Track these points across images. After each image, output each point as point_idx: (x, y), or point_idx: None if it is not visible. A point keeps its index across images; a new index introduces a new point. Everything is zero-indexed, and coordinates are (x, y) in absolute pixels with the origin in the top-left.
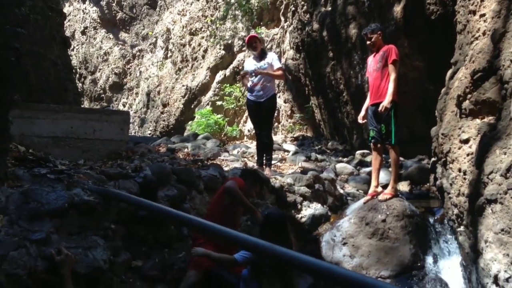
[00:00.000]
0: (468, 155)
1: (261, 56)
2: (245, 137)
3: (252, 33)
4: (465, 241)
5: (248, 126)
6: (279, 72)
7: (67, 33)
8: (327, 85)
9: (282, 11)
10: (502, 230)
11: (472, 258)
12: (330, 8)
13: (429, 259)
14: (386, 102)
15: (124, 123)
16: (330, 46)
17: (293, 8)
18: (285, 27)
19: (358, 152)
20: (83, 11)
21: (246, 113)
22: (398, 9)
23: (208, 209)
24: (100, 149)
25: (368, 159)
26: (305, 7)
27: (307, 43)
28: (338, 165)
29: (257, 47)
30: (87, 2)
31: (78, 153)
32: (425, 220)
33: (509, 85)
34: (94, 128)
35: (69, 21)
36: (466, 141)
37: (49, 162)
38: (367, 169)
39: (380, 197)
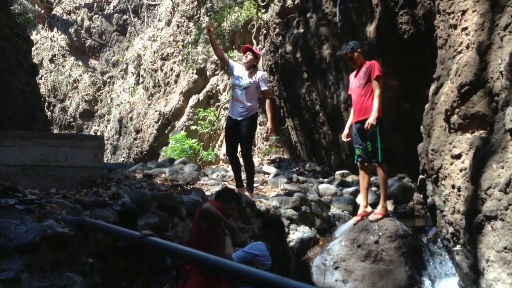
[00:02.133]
0: (461, 170)
1: (250, 72)
2: (221, 161)
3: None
4: (463, 260)
5: (223, 150)
6: (268, 102)
7: (35, 61)
8: (303, 107)
9: (254, 34)
10: (505, 248)
11: (472, 278)
12: (302, 30)
13: (426, 281)
14: (371, 119)
15: (98, 149)
16: (304, 67)
17: (265, 31)
18: (258, 50)
19: (337, 172)
20: (51, 39)
21: (221, 137)
22: (370, 29)
23: (189, 237)
24: (73, 177)
25: (349, 179)
26: (277, 29)
27: (280, 65)
28: (321, 186)
29: (248, 60)
30: (55, 30)
31: (49, 182)
32: (418, 240)
33: (500, 97)
34: (66, 154)
35: (36, 49)
36: (458, 157)
37: (18, 191)
38: (350, 189)
39: (371, 217)
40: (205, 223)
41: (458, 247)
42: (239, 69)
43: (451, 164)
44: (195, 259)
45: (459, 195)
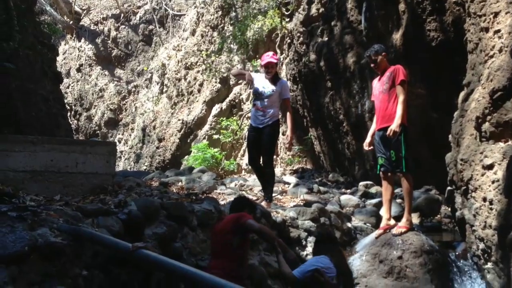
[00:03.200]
0: (493, 182)
1: (273, 80)
2: (243, 171)
3: (248, 65)
4: (495, 279)
5: (245, 160)
6: (289, 111)
7: (63, 70)
8: (326, 116)
9: (277, 43)
10: None
11: None
12: (326, 38)
13: None
14: (394, 125)
15: (110, 155)
16: (328, 76)
17: (289, 40)
18: (281, 59)
19: (361, 183)
20: (78, 49)
21: (243, 147)
22: (397, 36)
23: (212, 249)
24: (84, 184)
25: (372, 190)
26: (301, 38)
27: (304, 74)
28: (343, 197)
29: (272, 72)
30: (82, 40)
31: (58, 189)
32: (445, 256)
33: None
34: (77, 160)
35: (64, 59)
36: (490, 167)
37: (16, 197)
38: (373, 201)
39: (394, 231)
40: (238, 238)
41: (489, 264)
42: (261, 78)
43: (482, 175)
44: (188, 277)
45: (491, 209)
